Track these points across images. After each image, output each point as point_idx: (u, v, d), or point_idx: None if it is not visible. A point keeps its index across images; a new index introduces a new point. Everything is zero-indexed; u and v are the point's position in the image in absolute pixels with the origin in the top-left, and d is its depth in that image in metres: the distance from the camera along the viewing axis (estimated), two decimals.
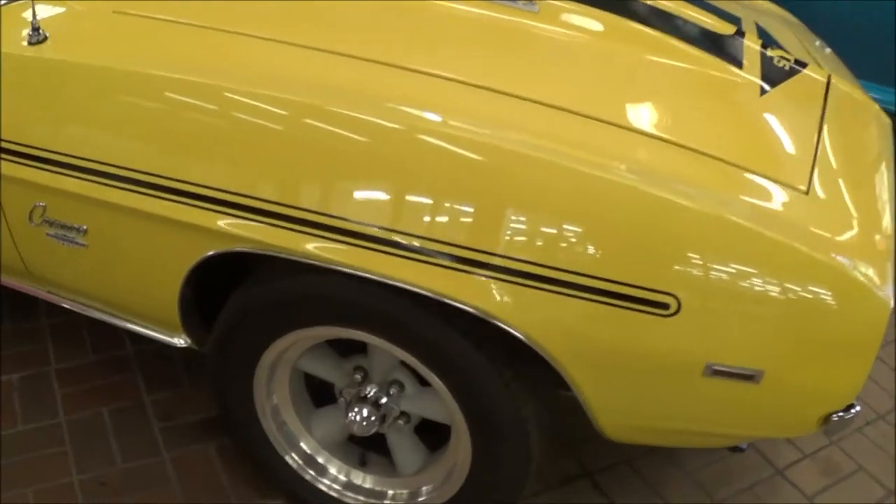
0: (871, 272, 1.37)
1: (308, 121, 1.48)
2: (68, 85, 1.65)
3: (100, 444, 2.13)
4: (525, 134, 1.45)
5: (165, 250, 1.67)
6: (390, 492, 1.90)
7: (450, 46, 1.80)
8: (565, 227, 1.38)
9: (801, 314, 1.37)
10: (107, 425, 2.18)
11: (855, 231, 1.46)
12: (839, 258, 1.36)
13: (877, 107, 2.00)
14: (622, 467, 2.18)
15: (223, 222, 1.54)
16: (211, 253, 1.61)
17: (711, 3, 2.26)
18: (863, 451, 2.29)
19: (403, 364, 1.72)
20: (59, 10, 1.79)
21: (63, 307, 2.01)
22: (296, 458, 1.91)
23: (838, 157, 1.65)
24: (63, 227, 1.76)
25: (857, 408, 1.49)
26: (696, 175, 1.45)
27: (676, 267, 1.35)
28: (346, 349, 1.81)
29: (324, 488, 1.92)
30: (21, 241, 1.87)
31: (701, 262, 1.35)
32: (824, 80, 1.94)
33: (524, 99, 1.55)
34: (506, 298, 1.41)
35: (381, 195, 1.44)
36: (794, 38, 2.26)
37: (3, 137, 1.69)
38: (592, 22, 1.96)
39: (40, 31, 1.68)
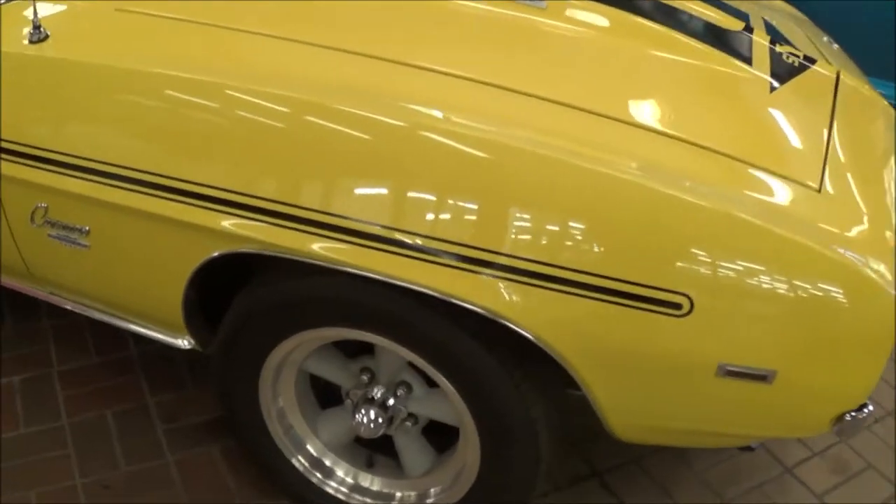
0: (883, 269, 1.36)
1: (312, 119, 1.47)
2: (70, 84, 1.64)
3: (103, 447, 2.11)
4: (532, 131, 1.43)
5: (169, 251, 1.66)
6: (398, 494, 1.89)
7: (455, 43, 1.78)
8: (574, 225, 1.36)
9: (815, 313, 1.35)
10: (110, 427, 2.17)
11: (866, 228, 1.44)
12: (852, 256, 1.35)
13: (884, 102, 1.99)
14: (631, 467, 2.17)
15: (227, 222, 1.52)
16: (215, 254, 1.59)
17: None
18: (872, 448, 2.27)
19: (411, 365, 1.70)
20: (61, 7, 1.77)
21: (65, 308, 1.99)
22: (302, 460, 1.90)
23: (849, 154, 1.63)
24: (65, 227, 1.74)
25: (870, 407, 1.47)
26: (707, 172, 1.43)
27: (689, 266, 1.33)
28: (352, 350, 1.79)
29: (331, 491, 1.90)
30: (22, 243, 1.85)
31: (714, 262, 1.33)
32: (833, 76, 1.92)
33: (530, 95, 1.53)
34: (515, 298, 1.39)
35: (386, 194, 1.43)
36: (801, 34, 2.25)
37: (3, 137, 1.67)
38: (599, 18, 1.94)
39: (41, 30, 1.66)
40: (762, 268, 1.33)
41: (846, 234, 1.39)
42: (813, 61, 1.95)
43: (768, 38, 2.00)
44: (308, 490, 1.91)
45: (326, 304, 1.59)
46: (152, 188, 1.56)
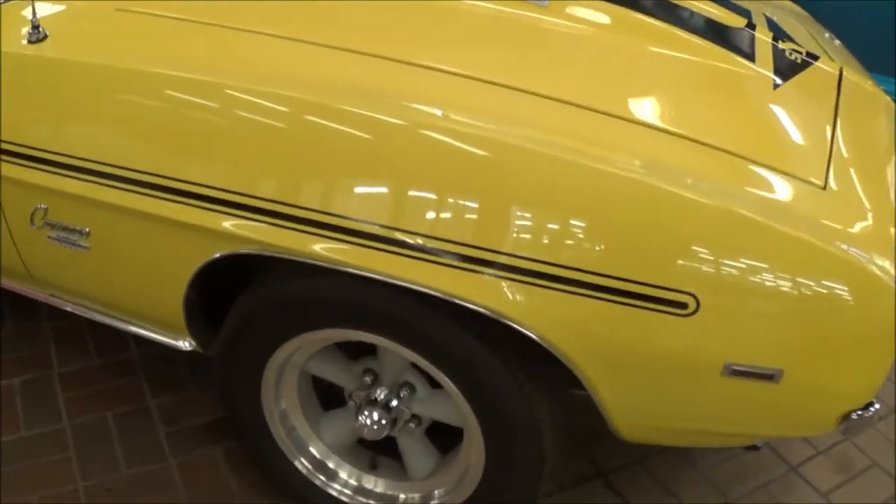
0: (888, 265, 1.35)
1: (312, 118, 1.46)
2: (69, 84, 1.63)
3: (104, 449, 2.10)
4: (533, 129, 1.42)
5: (170, 252, 1.65)
6: (402, 496, 1.88)
7: (456, 41, 1.77)
8: (577, 224, 1.36)
9: (821, 311, 1.34)
10: (111, 430, 2.16)
11: (871, 225, 1.43)
12: (857, 253, 1.34)
13: (887, 98, 1.98)
14: (635, 467, 2.16)
15: (228, 223, 1.51)
16: (217, 255, 1.58)
17: None
18: (876, 446, 2.27)
19: (414, 366, 1.69)
20: (60, 7, 1.76)
21: (65, 310, 1.98)
22: (305, 462, 1.89)
23: (853, 151, 1.62)
24: (65, 229, 1.73)
25: (877, 406, 1.47)
26: (711, 170, 1.42)
27: (694, 265, 1.32)
28: (355, 351, 1.78)
29: (334, 493, 1.89)
30: (22, 244, 1.84)
31: (719, 260, 1.32)
32: (836, 72, 1.92)
33: (531, 93, 1.52)
34: (518, 298, 1.38)
35: (387, 193, 1.42)
36: (803, 30, 2.24)
37: (2, 138, 1.66)
38: (600, 15, 1.93)
39: (40, 30, 1.65)
40: (767, 266, 1.32)
41: (851, 231, 1.38)
42: (815, 58, 1.94)
43: (770, 34, 1.99)
44: (311, 492, 1.90)
45: (329, 306, 1.58)
46: (153, 189, 1.55)
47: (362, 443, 1.90)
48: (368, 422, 1.71)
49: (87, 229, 1.70)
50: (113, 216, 1.64)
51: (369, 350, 1.74)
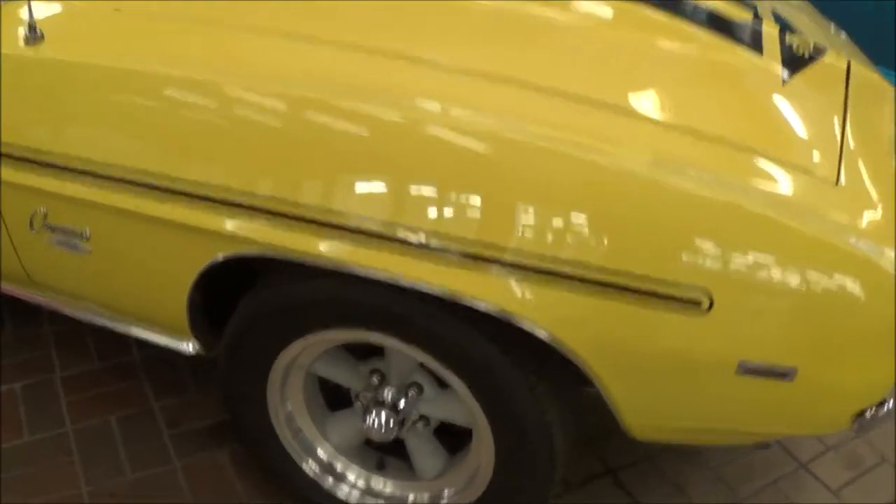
0: None
1: (311, 116, 1.44)
2: (66, 85, 1.61)
3: (108, 453, 2.09)
4: (536, 124, 1.40)
5: (172, 255, 1.63)
6: (411, 496, 1.87)
7: (455, 36, 1.74)
8: (585, 220, 1.34)
9: (836, 308, 1.33)
10: (114, 433, 2.14)
11: (882, 220, 1.41)
12: (870, 249, 1.32)
13: (894, 89, 1.96)
14: (644, 464, 2.14)
15: (231, 224, 1.50)
16: (220, 257, 1.56)
17: None
18: (886, 442, 2.25)
19: (422, 366, 1.67)
20: (57, 8, 1.73)
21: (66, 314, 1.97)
22: (313, 465, 1.87)
23: (863, 145, 1.61)
24: (65, 232, 1.71)
25: (891, 403, 1.45)
26: (722, 166, 1.40)
27: (708, 263, 1.31)
28: (362, 352, 1.76)
29: (342, 495, 1.88)
30: (22, 249, 1.82)
31: (733, 258, 1.30)
32: (844, 65, 1.90)
33: (534, 88, 1.50)
34: (527, 296, 1.37)
35: (389, 191, 1.40)
36: (810, 23, 2.22)
37: (0, 141, 1.64)
38: (604, 8, 1.92)
39: (37, 31, 1.62)
40: (781, 263, 1.31)
41: (863, 227, 1.37)
42: (823, 51, 1.92)
43: (777, 27, 1.97)
44: (319, 494, 1.89)
45: (334, 306, 1.57)
46: (154, 190, 1.53)
47: (369, 443, 1.88)
48: (376, 423, 1.70)
49: (88, 232, 1.68)
50: (114, 219, 1.62)
51: (376, 350, 1.72)
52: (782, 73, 1.75)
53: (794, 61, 1.82)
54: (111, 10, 1.69)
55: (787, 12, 2.20)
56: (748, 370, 1.36)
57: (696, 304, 1.31)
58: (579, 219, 1.34)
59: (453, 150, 1.39)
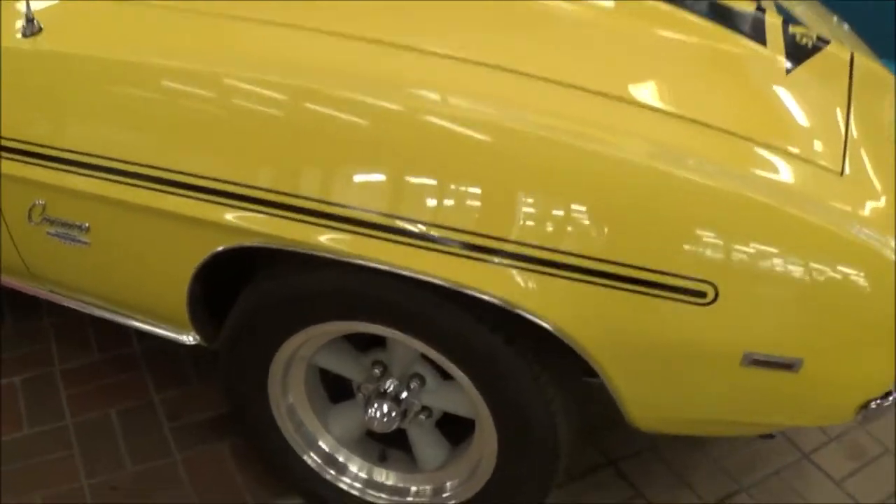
0: None
1: (310, 106, 1.43)
2: (64, 77, 1.59)
3: (108, 446, 2.08)
4: (537, 113, 1.39)
5: (172, 247, 1.62)
6: (413, 488, 1.86)
7: (454, 24, 1.72)
8: (586, 210, 1.33)
9: (841, 298, 1.32)
10: (115, 426, 2.14)
11: (886, 210, 1.41)
12: (875, 239, 1.32)
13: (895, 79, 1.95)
14: (646, 455, 2.14)
15: (231, 216, 1.49)
16: (220, 249, 1.55)
17: None
18: (889, 432, 2.25)
19: (424, 357, 1.66)
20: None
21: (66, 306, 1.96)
22: (315, 457, 1.87)
23: (867, 136, 1.60)
24: (64, 225, 1.70)
25: (895, 394, 1.44)
26: (727, 156, 1.39)
27: (712, 253, 1.30)
28: (363, 343, 1.75)
29: (345, 487, 1.87)
30: (20, 241, 1.81)
31: (738, 248, 1.30)
32: (847, 56, 1.88)
33: (535, 77, 1.48)
34: (531, 287, 1.36)
35: (388, 181, 1.39)
36: (812, 14, 2.20)
37: None
38: None
39: (35, 23, 1.61)
40: (787, 253, 1.30)
41: (868, 217, 1.36)
42: (826, 42, 1.91)
43: (780, 18, 1.96)
44: (321, 486, 1.88)
45: (335, 298, 1.56)
46: (152, 182, 1.52)
47: (371, 435, 1.88)
48: (378, 414, 1.69)
49: (87, 224, 1.67)
50: (113, 211, 1.61)
51: (378, 341, 1.72)
52: (786, 63, 1.74)
53: (798, 52, 1.81)
54: (109, 1, 1.68)
55: (789, 3, 2.19)
56: (753, 361, 1.35)
57: (700, 295, 1.30)
58: (581, 209, 1.33)
59: (454, 140, 1.38)
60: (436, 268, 1.39)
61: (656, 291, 1.31)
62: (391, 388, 1.72)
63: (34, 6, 1.62)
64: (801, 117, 1.62)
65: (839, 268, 1.30)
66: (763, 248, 1.29)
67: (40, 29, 1.61)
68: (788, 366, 1.35)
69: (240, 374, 1.77)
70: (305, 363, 1.77)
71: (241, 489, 1.99)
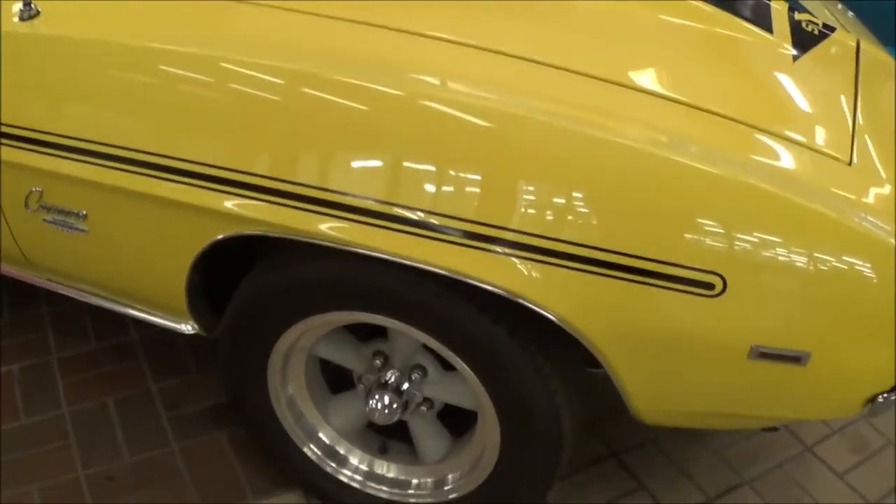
0: None
1: (309, 90, 1.40)
2: (62, 62, 1.57)
3: (105, 436, 2.06)
4: (538, 99, 1.36)
5: (171, 235, 1.60)
6: (414, 481, 1.85)
7: (455, 9, 1.69)
8: (589, 198, 1.31)
9: (850, 290, 1.30)
10: (112, 416, 2.12)
11: (894, 199, 1.39)
12: (884, 229, 1.30)
13: None
14: (649, 446, 2.13)
15: (230, 203, 1.46)
16: (220, 237, 1.53)
17: None
18: (891, 425, 2.24)
19: (426, 348, 1.65)
20: None
21: (63, 294, 1.93)
22: (315, 449, 1.85)
23: (875, 124, 1.58)
24: (61, 212, 1.68)
25: None
26: (734, 145, 1.37)
27: (721, 245, 1.28)
28: (364, 333, 1.74)
29: (345, 479, 1.86)
30: (17, 229, 1.79)
31: (747, 240, 1.28)
32: (854, 44, 1.87)
33: (536, 62, 1.46)
34: (534, 276, 1.34)
35: (388, 168, 1.37)
36: (817, 2, 2.18)
37: None
38: None
39: (32, 6, 1.59)
40: (795, 244, 1.28)
41: (877, 207, 1.34)
42: (832, 29, 1.89)
43: (786, 5, 1.93)
44: (321, 479, 1.87)
45: (337, 288, 1.54)
46: (150, 168, 1.50)
47: (371, 426, 1.86)
48: (379, 406, 1.68)
49: (85, 212, 1.65)
50: (111, 198, 1.59)
51: (379, 332, 1.70)
52: (792, 50, 1.72)
53: (804, 39, 1.79)
54: None
55: None
56: (760, 354, 1.33)
57: (709, 287, 1.29)
58: (583, 196, 1.31)
59: (454, 126, 1.35)
60: (437, 257, 1.37)
61: (662, 282, 1.30)
62: (392, 380, 1.71)
63: None
64: (808, 106, 1.60)
65: (849, 259, 1.28)
66: (772, 239, 1.27)
67: (38, 12, 1.59)
68: (796, 359, 1.34)
69: (239, 365, 1.75)
70: (305, 353, 1.75)
71: (240, 480, 1.98)
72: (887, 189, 1.41)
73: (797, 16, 1.90)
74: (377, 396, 1.68)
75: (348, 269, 1.49)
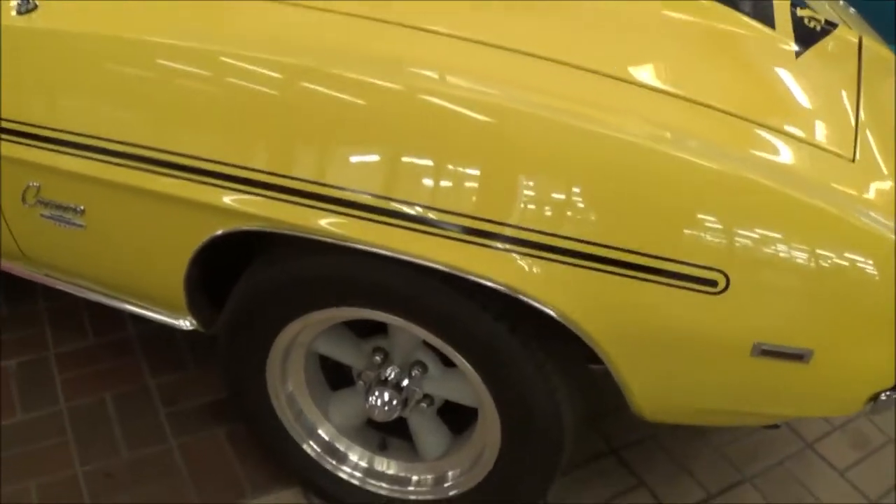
0: None
1: (310, 85, 1.39)
2: (59, 55, 1.55)
3: (103, 432, 2.06)
4: (538, 94, 1.35)
5: (169, 230, 1.59)
6: (414, 478, 1.84)
7: (456, 3, 1.69)
8: (589, 194, 1.30)
9: (853, 288, 1.29)
10: (110, 412, 2.11)
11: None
12: (888, 227, 1.29)
13: None
14: (648, 443, 2.13)
15: (228, 198, 1.45)
16: (219, 232, 1.52)
17: None
18: (892, 422, 2.24)
19: (426, 344, 1.64)
20: None
21: (61, 290, 1.92)
22: (314, 446, 1.85)
23: (878, 121, 1.57)
24: (58, 207, 1.67)
25: None
26: (737, 142, 1.36)
27: (724, 241, 1.27)
28: (364, 329, 1.73)
29: (345, 476, 1.85)
30: (14, 224, 1.78)
31: (750, 236, 1.27)
32: (856, 40, 1.86)
33: (535, 57, 1.45)
34: (535, 272, 1.33)
35: (387, 163, 1.36)
36: None
37: None
38: None
39: (30, 0, 1.57)
40: (801, 242, 1.27)
41: (880, 204, 1.33)
42: (834, 25, 1.89)
43: (789, 1, 1.93)
44: (321, 476, 1.86)
45: (336, 283, 1.53)
46: (148, 163, 1.49)
47: (371, 423, 1.85)
48: (379, 402, 1.67)
49: (82, 207, 1.64)
50: (108, 193, 1.58)
51: (379, 328, 1.69)
52: (795, 46, 1.71)
53: (807, 35, 1.78)
54: None
55: None
56: (763, 352, 1.33)
57: (711, 284, 1.28)
58: (583, 192, 1.30)
59: (454, 121, 1.34)
60: (436, 252, 1.36)
61: (664, 279, 1.29)
62: (392, 376, 1.70)
63: None
64: (811, 102, 1.59)
65: (853, 256, 1.27)
66: (777, 236, 1.27)
67: (35, 6, 1.58)
68: (799, 356, 1.33)
69: (238, 361, 1.74)
70: (305, 350, 1.74)
71: (239, 477, 1.97)
72: (889, 185, 1.40)
73: (799, 12, 1.89)
74: (377, 393, 1.68)
75: (347, 264, 1.48)
